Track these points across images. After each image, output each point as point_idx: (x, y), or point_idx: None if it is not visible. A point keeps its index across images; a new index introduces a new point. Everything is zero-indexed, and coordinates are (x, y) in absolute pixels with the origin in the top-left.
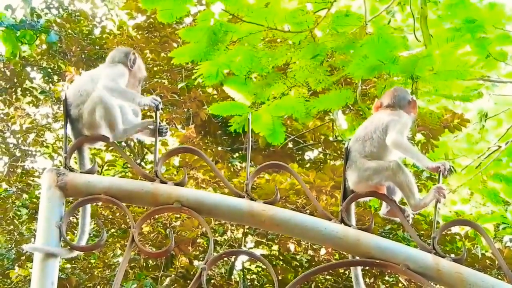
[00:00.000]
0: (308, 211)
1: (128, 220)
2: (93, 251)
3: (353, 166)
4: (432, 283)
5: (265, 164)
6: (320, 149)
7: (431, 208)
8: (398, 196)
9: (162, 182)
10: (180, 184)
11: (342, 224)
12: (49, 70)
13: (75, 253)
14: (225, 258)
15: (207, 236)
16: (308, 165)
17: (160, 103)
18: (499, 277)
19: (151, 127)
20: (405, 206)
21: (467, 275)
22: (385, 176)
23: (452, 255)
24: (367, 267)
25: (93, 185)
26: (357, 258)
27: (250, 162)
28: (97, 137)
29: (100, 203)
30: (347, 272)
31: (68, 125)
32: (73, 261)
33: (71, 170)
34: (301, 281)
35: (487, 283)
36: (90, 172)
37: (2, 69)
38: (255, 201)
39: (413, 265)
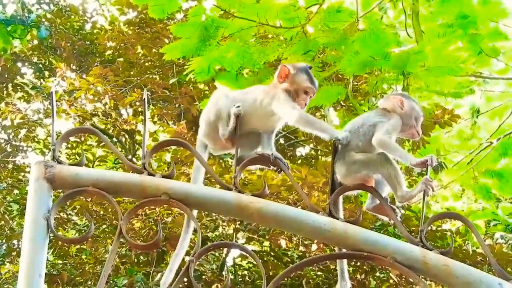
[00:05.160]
0: (300, 207)
1: None
2: (85, 247)
3: (341, 160)
4: (419, 276)
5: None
6: (311, 145)
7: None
8: (386, 191)
9: (150, 174)
10: (168, 176)
11: (330, 217)
12: (40, 65)
13: None
14: (217, 254)
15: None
16: (299, 161)
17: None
18: (490, 273)
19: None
20: (393, 205)
21: (455, 267)
22: (373, 168)
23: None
24: (357, 263)
25: (81, 177)
26: (345, 250)
27: None
28: (85, 129)
29: (90, 199)
30: None
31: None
32: (64, 257)
33: (59, 162)
34: (288, 274)
35: (474, 275)
36: (79, 164)
37: None
38: (243, 193)
39: (400, 258)
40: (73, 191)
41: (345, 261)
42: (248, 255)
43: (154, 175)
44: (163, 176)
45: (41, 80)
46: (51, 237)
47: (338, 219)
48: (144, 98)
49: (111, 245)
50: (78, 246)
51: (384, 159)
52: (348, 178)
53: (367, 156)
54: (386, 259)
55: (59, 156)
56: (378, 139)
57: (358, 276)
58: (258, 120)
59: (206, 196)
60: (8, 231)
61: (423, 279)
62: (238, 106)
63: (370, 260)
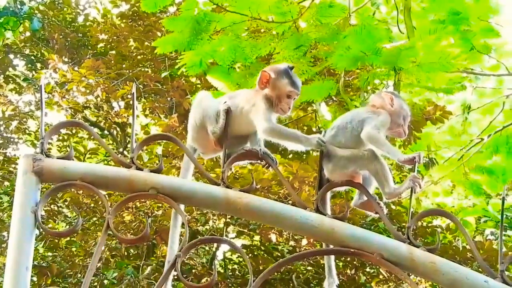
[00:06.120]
0: (290, 202)
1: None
2: (75, 240)
3: (329, 155)
4: (406, 273)
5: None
6: None
7: (413, 201)
8: (372, 187)
9: (138, 168)
10: (156, 171)
11: (318, 213)
12: (32, 57)
13: None
14: (207, 248)
15: (189, 225)
16: (290, 156)
17: None
18: (480, 269)
19: None
20: (381, 201)
21: (441, 264)
22: (360, 164)
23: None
24: (348, 258)
25: (69, 171)
26: (332, 247)
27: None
28: (74, 123)
29: (81, 191)
30: None
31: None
32: (54, 250)
33: (48, 155)
34: (276, 269)
35: (460, 273)
36: (67, 158)
37: None
38: (231, 188)
39: (387, 255)
40: (61, 185)
41: (332, 258)
42: (235, 250)
43: (142, 170)
44: (152, 171)
45: (33, 72)
46: (41, 230)
47: (325, 215)
48: (133, 92)
49: None
50: (68, 239)
51: (371, 156)
52: (336, 174)
53: (354, 152)
54: (373, 256)
55: (49, 149)
56: (367, 133)
57: (348, 271)
58: (240, 126)
59: (194, 191)
60: None
61: (409, 276)
62: (225, 102)
63: (357, 256)
